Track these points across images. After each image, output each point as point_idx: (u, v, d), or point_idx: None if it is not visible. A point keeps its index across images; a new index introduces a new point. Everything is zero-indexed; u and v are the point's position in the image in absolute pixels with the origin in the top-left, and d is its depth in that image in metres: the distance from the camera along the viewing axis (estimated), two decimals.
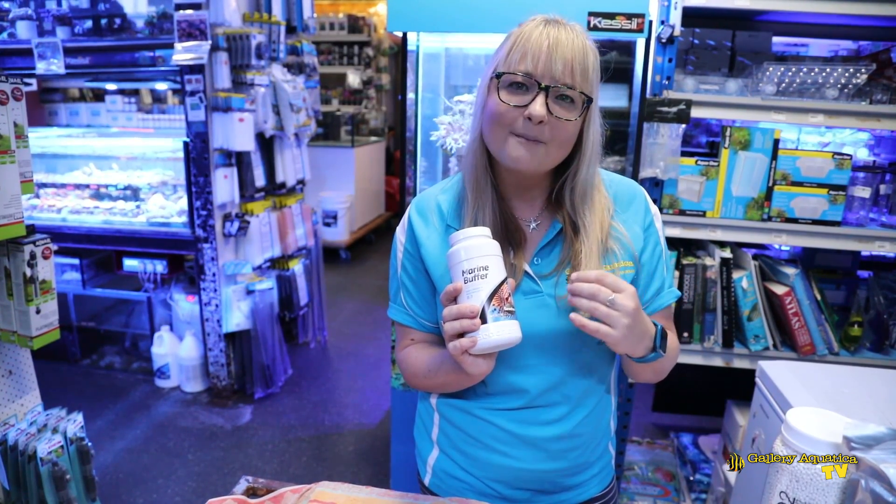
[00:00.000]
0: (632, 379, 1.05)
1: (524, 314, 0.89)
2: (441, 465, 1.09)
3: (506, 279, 0.83)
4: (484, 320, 0.81)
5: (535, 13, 0.93)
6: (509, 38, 0.92)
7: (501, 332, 0.81)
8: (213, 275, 3.06)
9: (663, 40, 1.73)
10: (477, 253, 0.82)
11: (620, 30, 1.65)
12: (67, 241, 3.20)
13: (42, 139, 3.63)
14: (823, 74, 1.78)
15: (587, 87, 0.89)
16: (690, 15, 1.87)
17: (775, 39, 2.15)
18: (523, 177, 0.97)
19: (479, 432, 1.02)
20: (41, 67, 2.91)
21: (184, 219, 3.13)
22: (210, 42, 2.76)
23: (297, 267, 3.53)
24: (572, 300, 0.85)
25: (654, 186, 1.84)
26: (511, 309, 0.82)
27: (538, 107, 0.86)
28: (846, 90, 1.79)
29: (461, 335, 0.82)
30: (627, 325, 0.84)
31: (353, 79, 6.98)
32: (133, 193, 3.40)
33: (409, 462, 2.11)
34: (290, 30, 3.39)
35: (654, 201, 1.73)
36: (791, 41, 2.34)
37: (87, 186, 3.46)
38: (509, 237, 0.97)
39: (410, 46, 1.85)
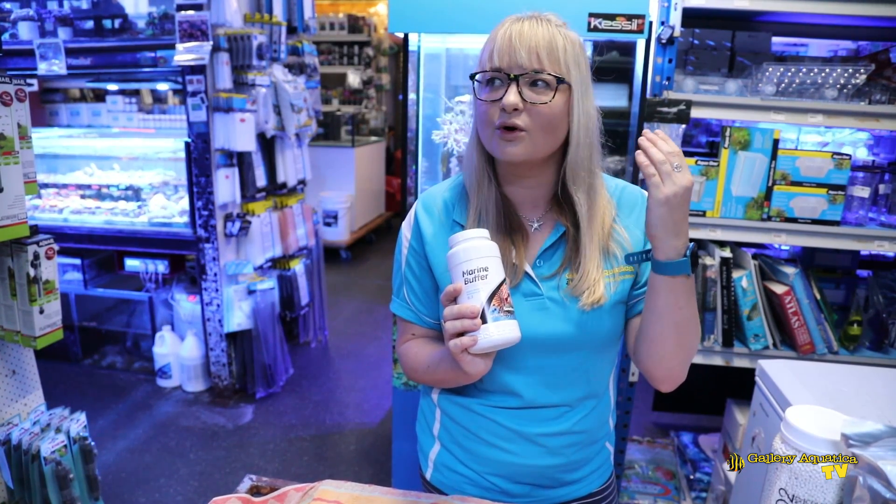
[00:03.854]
0: (659, 340, 0.94)
1: (523, 316, 0.90)
2: (442, 460, 1.10)
3: (505, 280, 0.85)
4: (484, 320, 0.82)
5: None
6: (485, 42, 0.95)
7: (501, 331, 0.82)
8: (215, 275, 3.07)
9: (663, 41, 1.74)
10: (476, 254, 0.84)
11: (621, 31, 1.66)
12: (69, 241, 3.20)
13: (43, 139, 3.64)
14: (823, 75, 1.79)
15: (559, 70, 0.90)
16: (690, 16, 1.88)
17: (775, 40, 2.16)
18: (518, 170, 0.98)
19: (478, 428, 1.03)
20: (43, 68, 2.92)
21: (185, 219, 3.14)
22: (211, 43, 2.76)
23: (298, 267, 3.54)
24: (642, 155, 0.84)
25: None
26: (510, 309, 0.84)
27: (511, 96, 0.88)
28: (845, 90, 1.79)
29: (461, 334, 0.83)
30: (678, 193, 0.82)
31: (354, 79, 6.98)
32: (134, 194, 3.41)
33: (410, 461, 2.12)
34: (291, 30, 3.40)
35: None
36: (790, 41, 2.35)
37: (89, 187, 3.47)
38: (512, 237, 0.98)
39: (412, 47, 1.85)
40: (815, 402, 1.32)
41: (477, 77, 0.93)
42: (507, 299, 0.84)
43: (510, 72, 0.89)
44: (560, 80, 0.90)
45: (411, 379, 1.08)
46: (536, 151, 0.93)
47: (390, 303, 1.11)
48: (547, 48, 0.89)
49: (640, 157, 0.84)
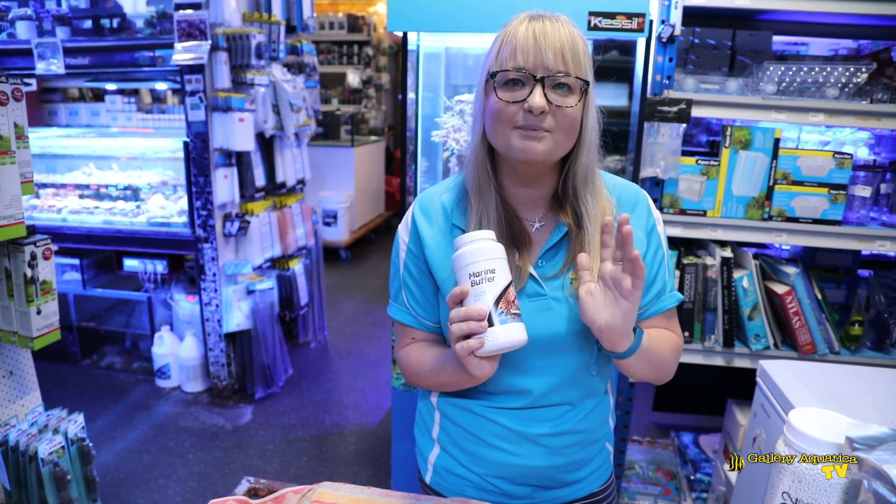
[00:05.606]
0: (633, 378, 1.03)
1: (528, 317, 0.90)
2: (442, 463, 1.09)
3: (512, 282, 0.84)
4: (491, 323, 0.81)
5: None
6: (497, 38, 0.93)
7: (508, 334, 0.82)
8: (214, 275, 3.06)
9: (664, 40, 1.73)
10: (483, 256, 0.83)
11: (621, 29, 1.65)
12: (67, 241, 3.19)
13: (42, 139, 3.63)
14: (824, 73, 1.78)
15: (581, 72, 0.89)
16: (691, 14, 1.87)
17: (775, 38, 2.15)
18: (531, 170, 0.96)
19: (479, 429, 1.03)
20: (41, 68, 2.91)
21: (184, 219, 3.13)
22: (210, 42, 2.75)
23: (297, 267, 3.53)
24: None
25: (655, 186, 1.84)
26: (517, 311, 0.83)
27: (537, 98, 0.87)
28: (846, 89, 1.79)
29: (468, 336, 0.82)
30: (630, 310, 0.86)
31: (353, 78, 6.98)
32: (133, 193, 3.40)
33: (409, 462, 2.11)
34: (290, 29, 3.39)
35: (655, 201, 1.73)
36: (791, 40, 2.34)
37: (87, 186, 3.46)
38: (514, 239, 0.97)
39: (411, 46, 1.84)
40: (817, 403, 1.32)
41: (497, 76, 0.91)
42: (513, 302, 0.83)
43: (535, 72, 0.87)
44: (586, 83, 0.90)
45: (412, 384, 1.06)
46: (557, 152, 0.92)
47: (388, 307, 1.10)
48: (571, 50, 0.88)
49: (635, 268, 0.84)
